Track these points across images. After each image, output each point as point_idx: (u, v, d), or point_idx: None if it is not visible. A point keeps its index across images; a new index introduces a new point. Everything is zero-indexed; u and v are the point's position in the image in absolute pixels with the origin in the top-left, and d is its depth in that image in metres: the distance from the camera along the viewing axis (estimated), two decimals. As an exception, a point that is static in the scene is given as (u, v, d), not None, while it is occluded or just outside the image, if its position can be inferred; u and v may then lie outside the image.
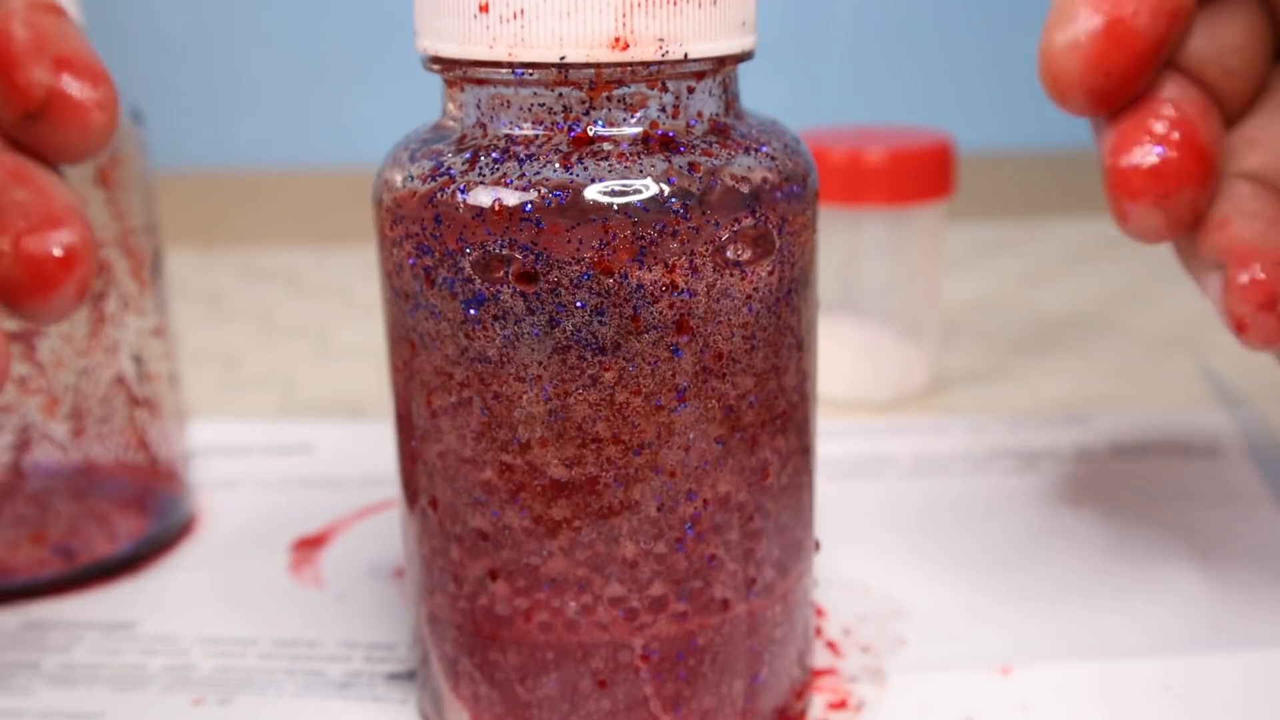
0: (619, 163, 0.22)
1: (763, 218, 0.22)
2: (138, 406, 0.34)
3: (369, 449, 0.39)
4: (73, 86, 0.22)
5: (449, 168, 0.22)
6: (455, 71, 0.23)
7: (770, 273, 0.23)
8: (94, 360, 0.33)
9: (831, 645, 0.29)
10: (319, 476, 0.39)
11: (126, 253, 0.34)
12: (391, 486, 0.37)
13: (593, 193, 0.21)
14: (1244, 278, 0.25)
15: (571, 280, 0.21)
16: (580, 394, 0.22)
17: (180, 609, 0.32)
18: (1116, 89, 0.25)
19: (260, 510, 0.37)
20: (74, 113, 0.23)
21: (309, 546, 0.35)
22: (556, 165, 0.22)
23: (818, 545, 0.27)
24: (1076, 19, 0.25)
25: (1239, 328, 0.25)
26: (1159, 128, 0.25)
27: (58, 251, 0.22)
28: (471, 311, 0.22)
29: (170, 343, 0.36)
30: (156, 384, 0.35)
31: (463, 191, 0.22)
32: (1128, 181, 0.25)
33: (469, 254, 0.22)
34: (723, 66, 0.23)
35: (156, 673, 0.29)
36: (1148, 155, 0.25)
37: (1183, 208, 0.25)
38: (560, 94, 0.22)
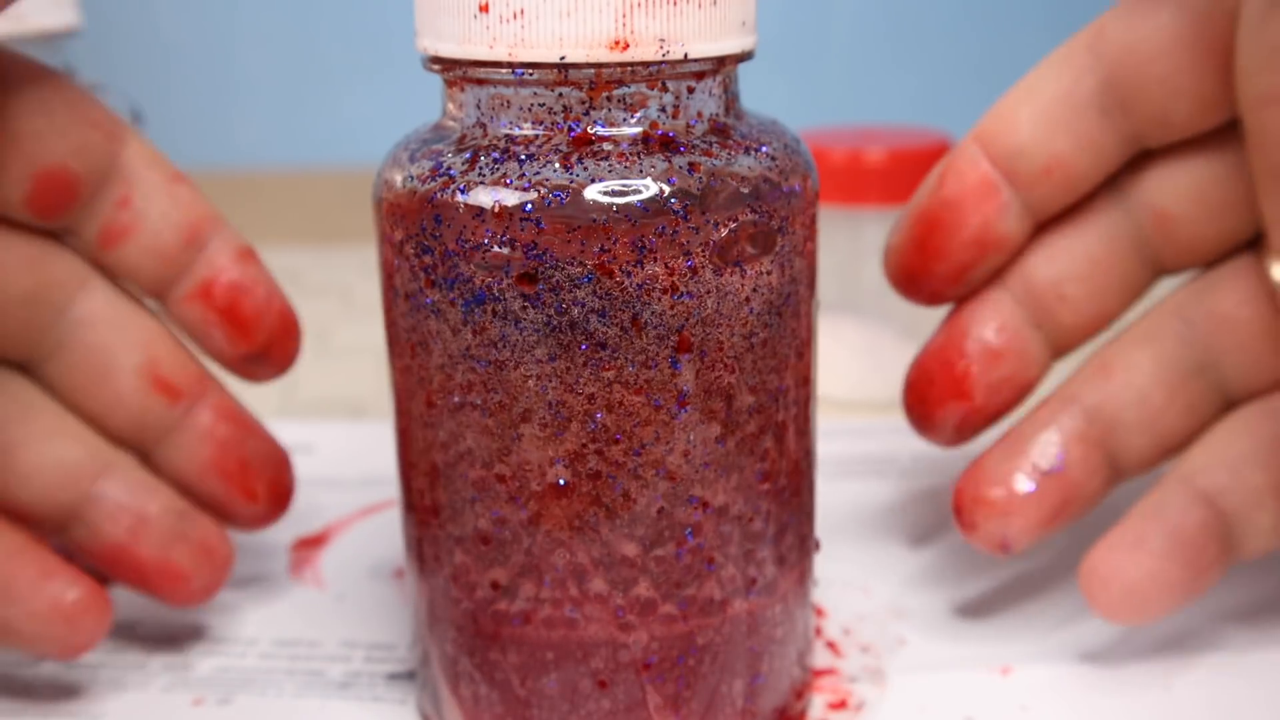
0: (619, 163, 0.22)
1: (763, 218, 0.22)
2: (138, 406, 0.35)
3: (369, 449, 0.39)
4: (286, 332, 0.28)
5: (449, 168, 0.22)
6: (455, 71, 0.23)
7: (770, 273, 0.23)
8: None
9: (831, 645, 0.29)
10: (319, 476, 0.39)
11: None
12: (391, 486, 0.37)
13: (593, 193, 0.21)
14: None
15: (571, 281, 0.21)
16: (580, 394, 0.22)
17: (180, 609, 0.32)
18: (925, 297, 0.28)
19: (260, 510, 0.37)
20: (283, 353, 0.28)
21: (309, 546, 0.35)
22: (556, 165, 0.22)
23: (818, 545, 0.27)
24: (896, 233, 0.28)
25: (963, 524, 0.28)
26: (963, 347, 0.28)
27: (288, 484, 0.30)
28: (472, 311, 0.22)
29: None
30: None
31: (463, 191, 0.22)
32: (919, 380, 0.28)
33: (469, 254, 0.22)
34: (723, 66, 0.23)
35: (156, 673, 0.29)
36: (942, 367, 0.28)
37: (951, 417, 0.28)
38: (560, 94, 0.22)
